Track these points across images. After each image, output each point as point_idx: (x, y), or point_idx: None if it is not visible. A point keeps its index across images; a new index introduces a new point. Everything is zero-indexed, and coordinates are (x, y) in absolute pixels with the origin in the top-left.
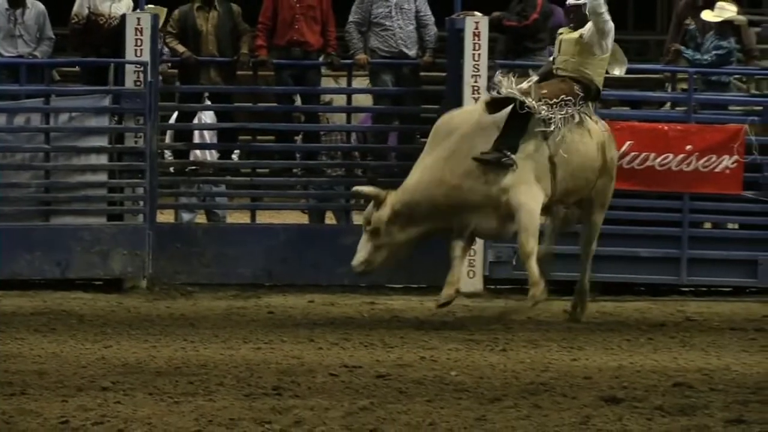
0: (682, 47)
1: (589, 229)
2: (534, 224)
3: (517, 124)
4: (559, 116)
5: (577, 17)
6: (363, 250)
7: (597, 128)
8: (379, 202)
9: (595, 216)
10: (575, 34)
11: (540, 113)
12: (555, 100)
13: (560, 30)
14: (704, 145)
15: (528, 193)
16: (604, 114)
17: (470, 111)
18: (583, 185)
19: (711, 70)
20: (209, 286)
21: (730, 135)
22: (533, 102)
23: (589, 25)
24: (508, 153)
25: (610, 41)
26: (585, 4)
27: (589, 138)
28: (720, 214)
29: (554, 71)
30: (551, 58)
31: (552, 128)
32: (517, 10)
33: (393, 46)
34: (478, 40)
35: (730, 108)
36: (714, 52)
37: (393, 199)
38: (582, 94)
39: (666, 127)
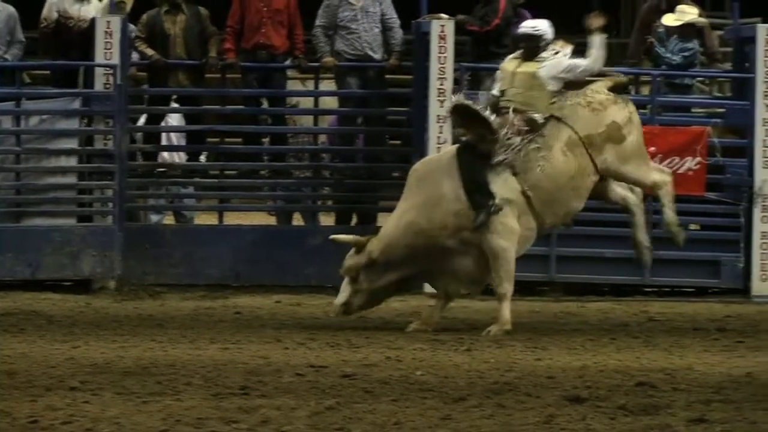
0: (657, 45)
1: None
2: (507, 267)
3: (478, 169)
4: (516, 148)
5: (530, 47)
6: (343, 293)
7: (553, 134)
8: (358, 249)
9: (627, 176)
10: (530, 69)
11: (499, 146)
12: (510, 133)
13: (507, 58)
14: (667, 147)
15: (502, 235)
16: None
17: (440, 156)
18: (572, 195)
19: (674, 72)
20: (177, 286)
21: (693, 137)
22: (496, 124)
23: (556, 65)
24: (491, 203)
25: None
26: (542, 35)
27: (554, 148)
28: (683, 215)
29: (500, 103)
30: (495, 91)
31: (509, 160)
32: (479, 15)
33: (359, 49)
34: (444, 42)
35: (693, 110)
36: (681, 54)
37: (371, 246)
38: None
39: None
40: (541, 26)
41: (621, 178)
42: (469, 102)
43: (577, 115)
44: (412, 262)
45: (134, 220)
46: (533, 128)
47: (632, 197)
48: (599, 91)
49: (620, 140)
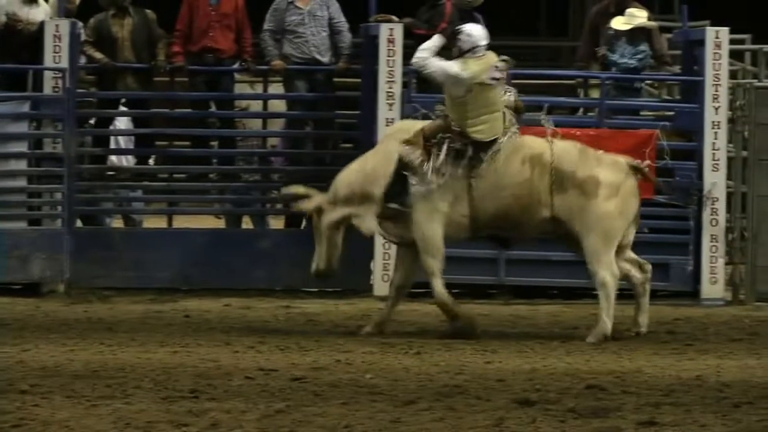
0: (608, 52)
1: (584, 256)
2: (431, 245)
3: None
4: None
5: (453, 48)
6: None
7: (529, 143)
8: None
9: (583, 241)
10: None
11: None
12: (434, 139)
13: None
14: (616, 150)
15: (427, 215)
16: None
17: (415, 124)
18: (514, 204)
19: (623, 76)
20: (126, 290)
21: (642, 140)
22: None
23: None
24: (394, 205)
25: (457, 89)
26: (460, 36)
27: (515, 154)
28: None
29: None
30: None
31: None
32: (424, 18)
33: (306, 53)
34: (393, 46)
35: (642, 113)
36: (636, 57)
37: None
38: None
39: (578, 133)
40: (466, 29)
41: (573, 236)
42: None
43: (566, 150)
44: (351, 202)
45: (91, 224)
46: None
47: (638, 276)
48: (616, 159)
49: (590, 196)
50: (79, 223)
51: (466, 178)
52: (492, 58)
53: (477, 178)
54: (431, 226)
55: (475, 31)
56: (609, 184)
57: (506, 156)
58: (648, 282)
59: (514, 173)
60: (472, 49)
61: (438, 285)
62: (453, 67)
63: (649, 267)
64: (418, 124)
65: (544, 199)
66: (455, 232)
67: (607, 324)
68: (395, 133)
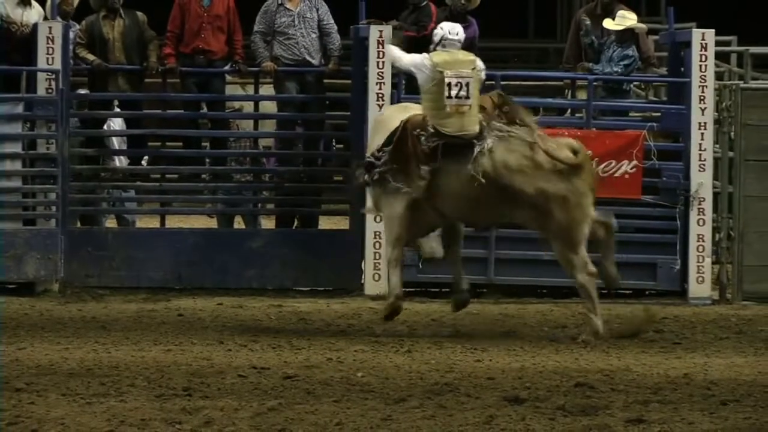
0: (592, 65)
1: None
2: (389, 232)
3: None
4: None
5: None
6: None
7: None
8: None
9: (554, 246)
10: None
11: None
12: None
13: None
14: (604, 151)
15: (386, 204)
16: None
17: (405, 107)
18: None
19: (610, 77)
20: (120, 289)
21: (629, 141)
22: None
23: None
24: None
25: (422, 78)
26: (435, 31)
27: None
28: (619, 218)
29: None
30: None
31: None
32: (411, 20)
33: (296, 55)
34: (382, 48)
35: (630, 114)
36: (622, 63)
37: None
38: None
39: (566, 133)
40: (442, 24)
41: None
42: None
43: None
44: None
45: (90, 224)
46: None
47: (604, 234)
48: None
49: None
50: (78, 224)
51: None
52: (466, 57)
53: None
54: (391, 214)
55: (447, 26)
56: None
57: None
58: (613, 238)
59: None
60: (441, 42)
61: (393, 275)
62: (419, 57)
63: (613, 222)
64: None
65: (485, 200)
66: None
67: (596, 321)
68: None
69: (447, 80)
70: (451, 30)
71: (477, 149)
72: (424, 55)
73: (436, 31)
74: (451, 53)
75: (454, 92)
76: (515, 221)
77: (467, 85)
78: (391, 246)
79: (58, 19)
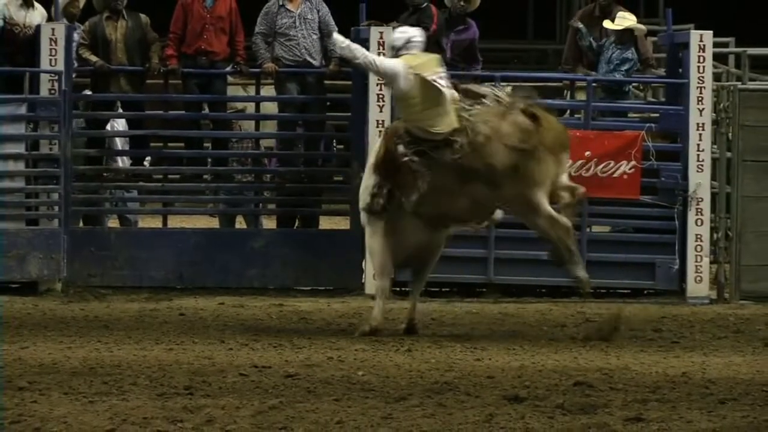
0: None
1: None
2: (373, 264)
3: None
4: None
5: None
6: None
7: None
8: None
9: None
10: None
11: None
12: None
13: None
14: (602, 152)
15: (367, 234)
16: None
17: None
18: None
19: (608, 79)
20: (122, 288)
21: (628, 141)
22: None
23: None
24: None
25: (397, 84)
26: (397, 31)
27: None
28: (618, 218)
29: None
30: None
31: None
32: (412, 22)
33: (298, 56)
34: (383, 49)
35: (629, 115)
36: (623, 68)
37: None
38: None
39: None
40: (400, 28)
41: None
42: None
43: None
44: None
45: (94, 224)
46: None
47: (567, 197)
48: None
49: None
50: (81, 224)
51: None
52: (431, 59)
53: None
54: (372, 243)
55: (408, 30)
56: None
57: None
58: (575, 207)
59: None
60: (405, 45)
61: (377, 302)
62: (400, 63)
63: (581, 190)
64: None
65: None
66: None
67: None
68: None
69: (431, 79)
70: (413, 34)
71: (461, 139)
72: (400, 60)
73: (397, 36)
74: (419, 55)
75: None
76: (502, 205)
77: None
78: (377, 276)
79: (64, 20)
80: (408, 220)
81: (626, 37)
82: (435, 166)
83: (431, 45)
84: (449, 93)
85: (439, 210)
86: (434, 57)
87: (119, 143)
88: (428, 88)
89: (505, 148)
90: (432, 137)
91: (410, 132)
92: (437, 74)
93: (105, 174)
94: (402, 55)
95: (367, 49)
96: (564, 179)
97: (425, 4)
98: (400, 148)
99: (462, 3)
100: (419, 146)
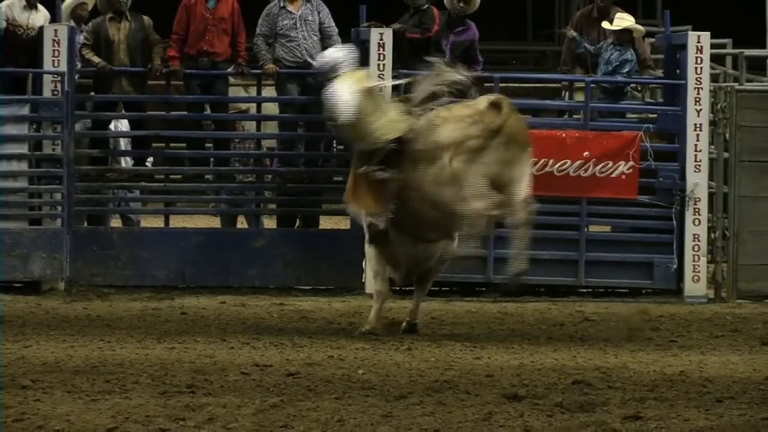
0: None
1: None
2: (370, 265)
3: None
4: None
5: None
6: None
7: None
8: None
9: None
10: None
11: None
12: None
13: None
14: (601, 152)
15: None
16: None
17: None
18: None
19: (606, 79)
20: (125, 288)
21: (626, 142)
22: None
23: None
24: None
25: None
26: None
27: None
28: (617, 217)
29: None
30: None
31: None
32: (413, 23)
33: (298, 57)
34: (383, 50)
35: (627, 116)
36: (624, 69)
37: None
38: None
39: (564, 134)
40: (323, 54)
41: None
42: None
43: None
44: None
45: (98, 224)
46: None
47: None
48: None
49: None
50: (85, 224)
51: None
52: (360, 75)
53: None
54: (369, 248)
55: (331, 53)
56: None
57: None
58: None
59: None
60: (334, 69)
61: (374, 306)
62: (349, 91)
63: (530, 209)
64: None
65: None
66: None
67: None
68: None
69: (375, 87)
70: (335, 54)
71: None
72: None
73: (326, 60)
74: (351, 73)
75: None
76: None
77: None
78: (373, 281)
79: (71, 23)
80: (393, 233)
81: (624, 38)
82: (398, 170)
83: (431, 46)
84: (389, 98)
85: (411, 217)
86: (362, 72)
87: (123, 144)
88: (367, 101)
89: (460, 130)
90: (383, 145)
91: (365, 150)
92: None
93: (107, 174)
94: (333, 78)
95: (367, 50)
96: (522, 188)
97: (426, 6)
98: (362, 169)
99: (461, 5)
100: (375, 158)
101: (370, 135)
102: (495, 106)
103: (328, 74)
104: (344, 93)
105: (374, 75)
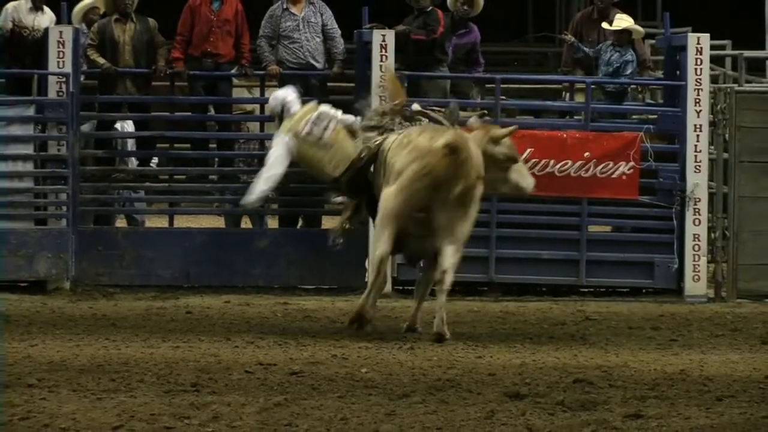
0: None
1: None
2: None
3: None
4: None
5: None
6: None
7: None
8: None
9: None
10: None
11: None
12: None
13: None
14: (601, 152)
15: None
16: (507, 122)
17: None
18: None
19: (607, 80)
20: (130, 287)
21: (627, 142)
22: None
23: None
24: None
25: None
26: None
27: None
28: (617, 218)
29: None
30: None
31: None
32: (418, 24)
33: (301, 58)
34: (385, 52)
35: (628, 116)
36: (627, 71)
37: None
38: None
39: (565, 135)
40: (273, 95)
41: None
42: None
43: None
44: None
45: (105, 224)
46: None
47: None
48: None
49: None
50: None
51: None
52: (305, 110)
53: None
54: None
55: (277, 94)
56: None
57: None
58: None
59: None
60: (284, 109)
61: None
62: (283, 146)
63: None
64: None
65: None
66: None
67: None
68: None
69: (303, 132)
70: (283, 93)
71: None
72: (282, 139)
73: (272, 105)
74: (291, 117)
75: (316, 130)
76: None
77: (327, 122)
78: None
79: (84, 26)
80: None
81: (624, 38)
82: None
83: (436, 48)
84: (335, 131)
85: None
86: (310, 106)
87: (130, 145)
88: (309, 143)
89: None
90: (340, 175)
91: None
92: (314, 120)
93: (112, 174)
94: (285, 118)
95: (370, 52)
96: (453, 252)
97: (430, 8)
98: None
99: (465, 7)
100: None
101: (323, 170)
102: (452, 150)
103: (280, 114)
104: (278, 146)
105: (326, 107)
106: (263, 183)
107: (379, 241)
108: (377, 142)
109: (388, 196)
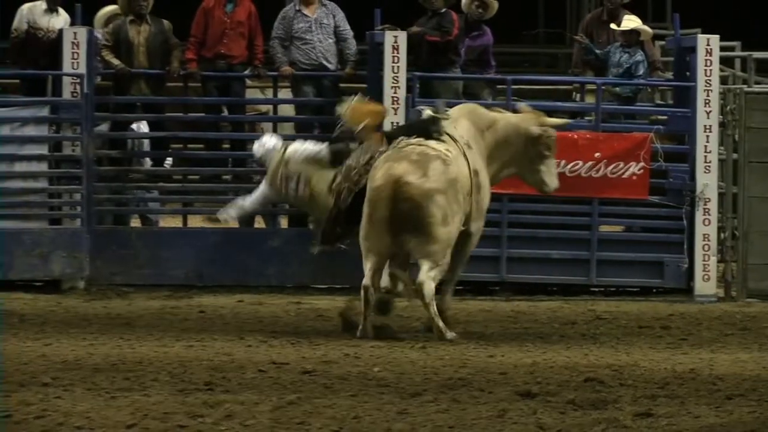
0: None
1: None
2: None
3: None
4: None
5: None
6: None
7: None
8: None
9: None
10: None
11: None
12: None
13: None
14: (612, 153)
15: None
16: None
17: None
18: None
19: (618, 81)
20: (144, 286)
21: (637, 143)
22: None
23: None
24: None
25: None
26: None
27: None
28: (627, 218)
29: None
30: None
31: None
32: (432, 25)
33: (314, 59)
34: (397, 53)
35: (638, 117)
36: (639, 72)
37: None
38: None
39: (575, 136)
40: (257, 143)
41: None
42: None
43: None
44: None
45: (120, 224)
46: None
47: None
48: None
49: None
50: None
51: None
52: (278, 161)
53: None
54: None
55: (264, 142)
56: None
57: None
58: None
59: None
60: (267, 154)
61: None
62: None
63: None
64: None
65: None
66: None
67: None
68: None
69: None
70: (265, 140)
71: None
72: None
73: (259, 153)
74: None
75: (290, 189)
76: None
77: (296, 177)
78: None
79: (104, 32)
80: None
81: (632, 39)
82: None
83: (450, 50)
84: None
85: None
86: (277, 157)
87: (146, 145)
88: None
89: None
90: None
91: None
92: (285, 176)
93: (127, 175)
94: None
95: (382, 53)
96: (425, 264)
97: (444, 9)
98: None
99: (479, 10)
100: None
101: (317, 209)
102: (376, 189)
103: (266, 161)
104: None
105: (295, 146)
106: (247, 204)
107: (364, 270)
108: (359, 174)
109: (361, 232)
